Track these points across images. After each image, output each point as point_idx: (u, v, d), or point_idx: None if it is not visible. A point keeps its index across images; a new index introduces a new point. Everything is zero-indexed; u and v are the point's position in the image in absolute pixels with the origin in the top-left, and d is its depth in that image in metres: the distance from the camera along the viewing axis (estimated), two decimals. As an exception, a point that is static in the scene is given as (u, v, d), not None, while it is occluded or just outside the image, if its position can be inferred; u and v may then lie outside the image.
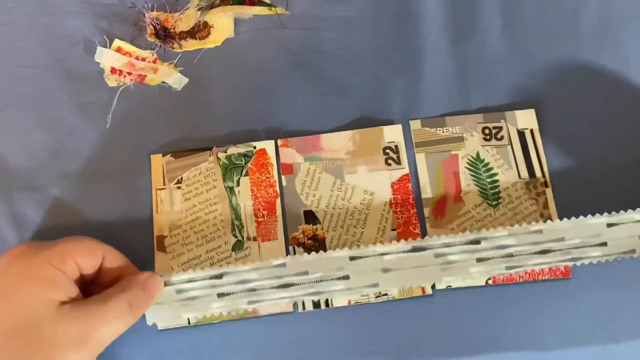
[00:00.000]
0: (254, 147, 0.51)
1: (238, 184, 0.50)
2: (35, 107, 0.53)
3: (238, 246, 0.49)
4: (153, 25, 0.54)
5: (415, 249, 0.47)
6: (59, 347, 0.39)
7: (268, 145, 0.51)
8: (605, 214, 0.47)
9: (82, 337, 0.40)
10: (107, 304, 0.42)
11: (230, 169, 0.50)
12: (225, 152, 0.51)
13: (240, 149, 0.51)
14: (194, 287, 0.47)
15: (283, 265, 0.47)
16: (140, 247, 0.49)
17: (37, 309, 0.40)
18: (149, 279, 0.45)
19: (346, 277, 0.47)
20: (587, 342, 0.47)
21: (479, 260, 0.47)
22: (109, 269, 0.45)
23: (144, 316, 0.46)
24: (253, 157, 0.51)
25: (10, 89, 0.54)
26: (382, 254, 0.47)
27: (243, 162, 0.50)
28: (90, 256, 0.44)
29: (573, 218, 0.47)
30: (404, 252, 0.47)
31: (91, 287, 0.44)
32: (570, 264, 0.47)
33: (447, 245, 0.47)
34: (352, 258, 0.47)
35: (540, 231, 0.47)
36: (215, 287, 0.47)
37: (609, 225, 0.47)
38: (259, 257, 0.48)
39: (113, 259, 0.45)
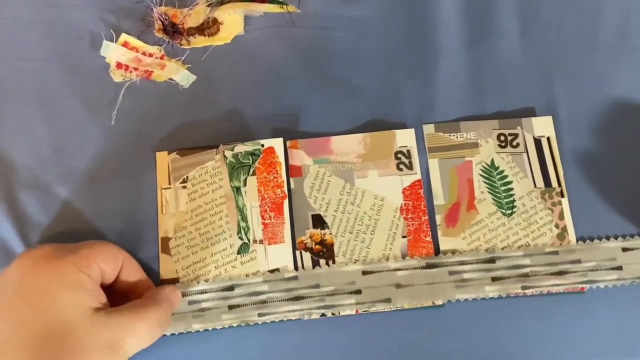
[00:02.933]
0: (262, 145, 0.49)
1: (245, 184, 0.49)
2: (39, 102, 0.52)
3: (244, 249, 0.47)
4: (161, 21, 0.53)
5: (429, 266, 0.46)
6: (90, 353, 0.38)
7: (276, 144, 0.49)
8: (620, 238, 0.47)
9: (113, 345, 0.39)
10: (140, 316, 0.41)
11: (237, 168, 0.49)
12: (232, 150, 0.49)
13: (248, 147, 0.49)
14: (205, 298, 0.46)
15: (295, 278, 0.46)
16: (144, 248, 0.48)
17: (72, 315, 0.39)
18: (171, 293, 0.45)
19: (358, 292, 0.46)
20: (599, 357, 0.46)
21: (494, 279, 0.46)
22: (125, 276, 0.44)
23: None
24: (261, 156, 0.49)
25: (13, 83, 0.52)
26: (395, 270, 0.46)
27: (250, 161, 0.49)
28: (112, 262, 0.43)
29: (588, 241, 0.47)
30: (418, 268, 0.46)
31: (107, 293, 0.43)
32: (587, 286, 0.46)
33: (462, 263, 0.46)
34: (364, 272, 0.46)
35: (556, 252, 0.46)
36: (226, 299, 0.46)
37: (624, 249, 0.47)
38: (265, 261, 0.47)
39: (130, 266, 0.45)
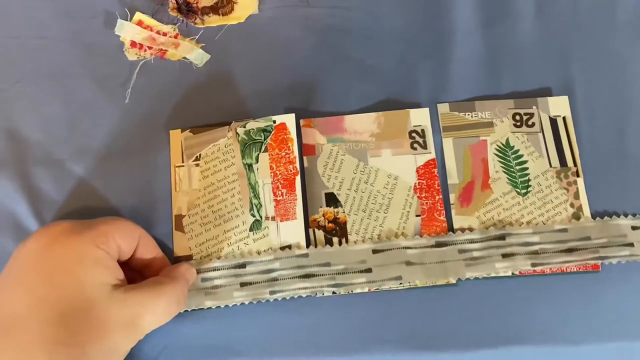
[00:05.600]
0: (274, 122, 0.49)
1: (257, 161, 0.48)
2: (52, 80, 0.52)
3: (256, 226, 0.47)
4: (176, 0, 0.53)
5: (438, 244, 0.46)
6: (110, 331, 0.38)
7: (288, 120, 0.49)
8: (630, 216, 0.47)
9: (131, 323, 0.39)
10: (158, 294, 0.41)
11: (249, 145, 0.49)
12: (244, 127, 0.49)
13: (260, 123, 0.49)
14: (218, 275, 0.46)
15: (305, 255, 0.46)
16: (158, 225, 0.48)
17: (92, 292, 0.39)
18: (187, 270, 0.45)
19: (368, 270, 0.46)
20: (614, 338, 0.45)
21: (504, 255, 0.46)
22: (141, 253, 0.44)
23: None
24: (272, 132, 0.49)
25: (27, 60, 0.52)
26: (406, 248, 0.46)
27: (262, 138, 0.49)
28: (129, 238, 0.43)
29: (598, 219, 0.47)
30: (428, 247, 0.46)
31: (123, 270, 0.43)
32: (598, 262, 0.46)
33: (472, 241, 0.46)
34: (374, 251, 0.46)
35: (565, 230, 0.46)
36: (238, 277, 0.46)
37: (634, 228, 0.46)
38: (278, 237, 0.47)
39: (146, 243, 0.44)
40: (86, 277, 0.39)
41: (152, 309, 0.40)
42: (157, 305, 0.41)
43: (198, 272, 0.46)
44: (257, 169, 0.48)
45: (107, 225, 0.42)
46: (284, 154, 0.49)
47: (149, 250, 0.45)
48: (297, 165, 0.48)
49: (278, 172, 0.48)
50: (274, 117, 0.49)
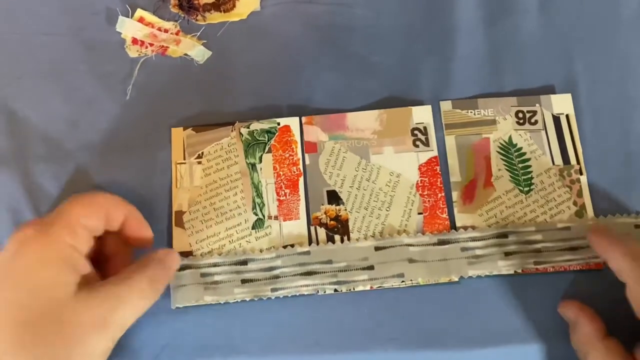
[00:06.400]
0: (278, 124, 0.49)
1: (260, 161, 0.48)
2: (54, 76, 0.52)
3: (259, 224, 0.47)
4: (177, -4, 0.53)
5: (441, 242, 0.46)
6: (80, 333, 0.37)
7: (292, 122, 0.49)
8: (633, 214, 0.47)
9: (103, 320, 0.38)
10: (127, 285, 0.40)
11: (253, 145, 0.49)
12: (248, 127, 0.49)
13: (264, 124, 0.49)
14: (218, 271, 0.46)
15: (307, 253, 0.46)
16: (158, 222, 0.48)
17: (56, 295, 0.38)
18: (167, 255, 0.43)
19: (370, 268, 0.46)
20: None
21: (506, 254, 0.45)
22: (130, 226, 0.43)
23: (161, 296, 0.44)
24: (276, 134, 0.49)
25: (28, 56, 0.52)
26: (408, 245, 0.46)
27: (266, 139, 0.49)
28: (100, 213, 0.41)
29: (601, 217, 0.46)
30: (430, 244, 0.46)
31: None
32: (601, 260, 0.45)
33: (474, 239, 0.46)
34: (377, 248, 0.46)
35: (568, 228, 0.46)
36: (239, 273, 0.46)
37: (637, 226, 0.46)
38: (280, 236, 0.47)
39: (133, 218, 0.44)
40: (49, 279, 0.38)
41: (124, 302, 0.39)
42: (129, 298, 0.39)
43: (197, 267, 0.46)
44: (261, 169, 0.48)
45: (69, 210, 0.41)
46: (287, 155, 0.48)
47: (136, 225, 0.44)
48: (301, 167, 0.48)
49: (281, 173, 0.48)
50: (278, 120, 0.49)
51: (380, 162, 0.49)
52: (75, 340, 0.37)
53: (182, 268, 0.46)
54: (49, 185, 0.49)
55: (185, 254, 0.47)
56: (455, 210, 0.47)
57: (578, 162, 0.48)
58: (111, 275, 0.41)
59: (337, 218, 0.47)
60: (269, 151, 0.49)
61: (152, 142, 0.50)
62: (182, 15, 0.53)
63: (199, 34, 0.53)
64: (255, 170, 0.48)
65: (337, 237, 0.47)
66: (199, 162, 0.49)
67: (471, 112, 0.49)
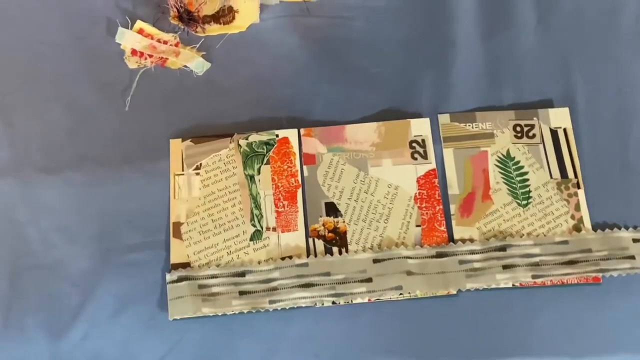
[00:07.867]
0: (276, 136, 0.49)
1: (259, 172, 0.48)
2: (53, 86, 0.52)
3: (257, 236, 0.47)
4: (177, 8, 0.53)
5: (439, 255, 0.46)
6: None
7: (291, 134, 0.49)
8: (631, 229, 0.47)
9: None
10: None
11: (251, 157, 0.49)
12: (247, 139, 0.49)
13: (262, 136, 0.49)
14: (216, 283, 0.46)
15: (305, 265, 0.46)
16: (156, 232, 0.48)
17: None
18: None
19: (369, 280, 0.45)
20: (615, 350, 0.45)
21: (505, 267, 0.45)
22: None
23: (159, 308, 0.45)
24: (275, 145, 0.49)
25: (28, 66, 0.52)
26: (406, 257, 0.46)
27: (264, 150, 0.49)
28: None
29: (599, 231, 0.46)
30: (428, 257, 0.46)
31: None
32: (599, 274, 0.45)
33: (472, 252, 0.46)
34: (375, 260, 0.46)
35: (566, 242, 0.46)
36: (237, 285, 0.45)
37: (635, 240, 0.46)
38: (278, 248, 0.47)
39: None
40: None
41: None
42: None
43: (195, 278, 0.45)
44: (259, 181, 0.48)
45: None
46: (286, 167, 0.48)
47: None
48: (299, 178, 0.48)
49: (280, 184, 0.48)
50: (277, 132, 0.49)
51: (379, 175, 0.49)
52: None
53: (180, 279, 0.45)
54: (48, 195, 0.49)
55: (183, 266, 0.46)
56: (454, 223, 0.47)
57: (576, 176, 0.48)
58: None
59: (335, 230, 0.47)
60: (268, 163, 0.49)
61: (151, 152, 0.50)
62: (182, 27, 0.53)
63: (198, 45, 0.53)
64: (253, 181, 0.48)
65: (335, 249, 0.47)
66: (197, 174, 0.49)
67: (469, 125, 0.50)
